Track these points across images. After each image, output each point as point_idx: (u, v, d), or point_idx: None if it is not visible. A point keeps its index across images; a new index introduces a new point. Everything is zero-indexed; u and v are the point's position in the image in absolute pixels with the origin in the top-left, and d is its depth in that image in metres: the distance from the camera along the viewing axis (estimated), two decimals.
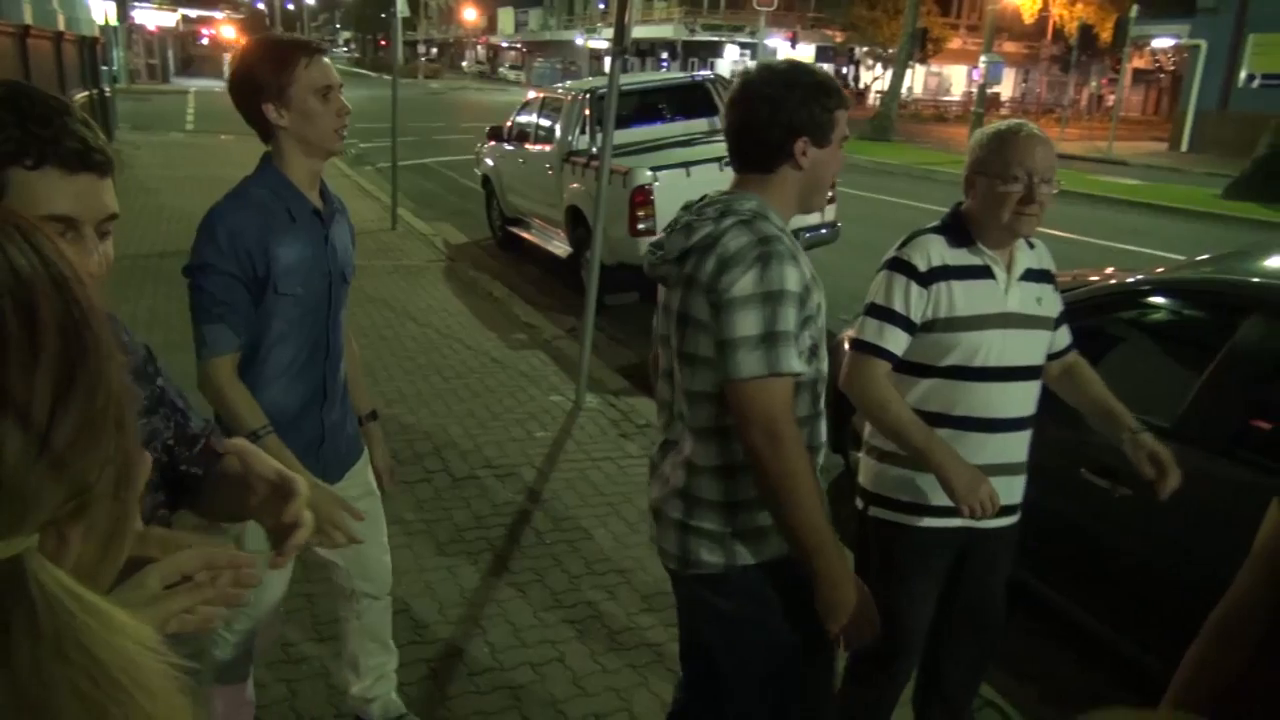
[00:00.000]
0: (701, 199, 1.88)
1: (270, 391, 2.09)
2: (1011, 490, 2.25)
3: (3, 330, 0.46)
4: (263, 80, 1.99)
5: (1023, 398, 2.21)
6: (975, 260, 2.16)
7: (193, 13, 49.84)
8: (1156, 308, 3.30)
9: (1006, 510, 2.24)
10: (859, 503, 2.36)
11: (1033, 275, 2.23)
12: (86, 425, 0.48)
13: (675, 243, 1.81)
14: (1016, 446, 2.24)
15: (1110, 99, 34.92)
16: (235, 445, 1.22)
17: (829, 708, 2.04)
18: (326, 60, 2.07)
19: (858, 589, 1.77)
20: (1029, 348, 2.20)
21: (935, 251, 2.14)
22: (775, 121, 1.77)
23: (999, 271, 2.16)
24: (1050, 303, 2.26)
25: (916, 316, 2.13)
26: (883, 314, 2.13)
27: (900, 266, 2.14)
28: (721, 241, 1.72)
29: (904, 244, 2.20)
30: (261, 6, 67.88)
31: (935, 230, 2.20)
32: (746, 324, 1.67)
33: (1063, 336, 2.34)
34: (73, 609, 0.45)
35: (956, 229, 2.18)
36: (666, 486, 1.90)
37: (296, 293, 2.08)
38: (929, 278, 2.12)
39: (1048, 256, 2.30)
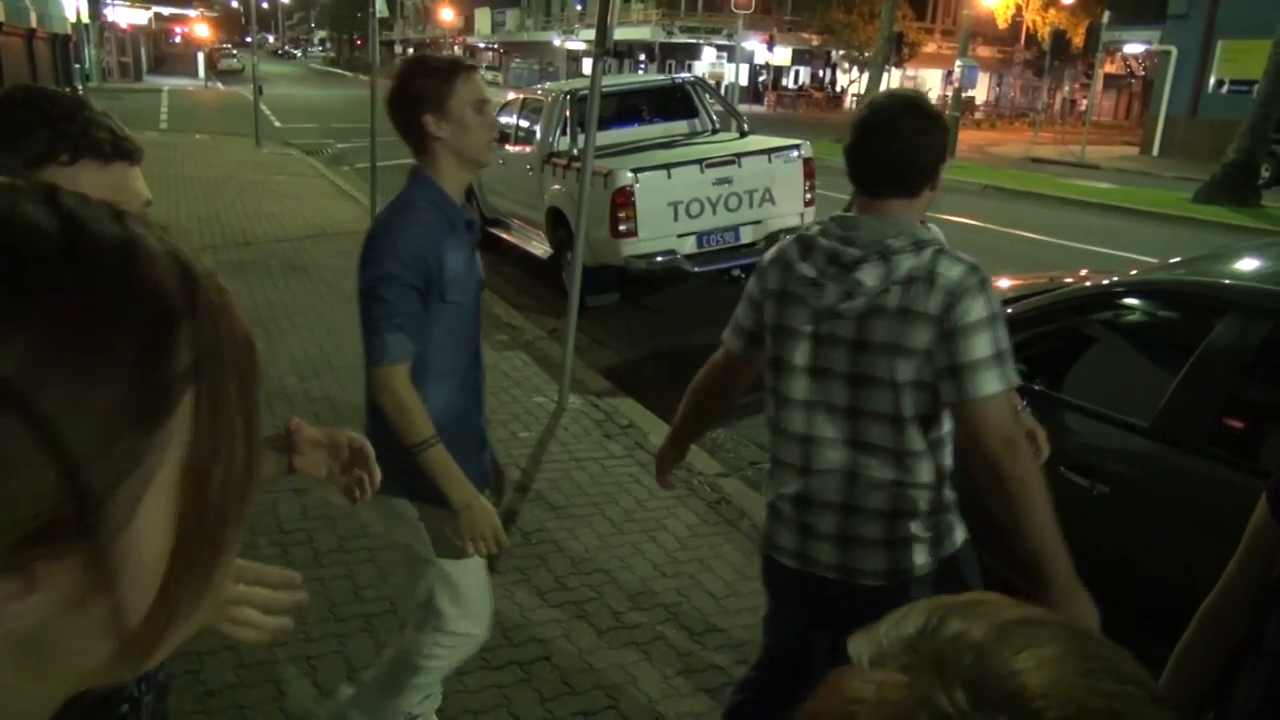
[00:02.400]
0: (841, 225, 1.89)
1: (439, 397, 2.11)
2: None
3: (18, 299, 0.37)
4: (425, 93, 2.07)
5: None
6: None
7: (166, 10, 49.34)
8: (1132, 309, 3.36)
9: None
10: None
11: None
12: (100, 435, 0.39)
13: (873, 275, 1.80)
14: None
15: (1083, 104, 35.33)
16: (294, 422, 1.22)
17: None
18: (479, 76, 2.16)
19: (1086, 594, 1.76)
20: None
21: None
22: (928, 149, 1.85)
23: None
24: None
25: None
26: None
27: None
28: (939, 273, 1.76)
29: None
30: (236, 5, 67.26)
31: None
32: (982, 346, 1.73)
33: None
34: None
35: None
36: (855, 514, 1.91)
37: (459, 301, 2.13)
38: None
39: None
